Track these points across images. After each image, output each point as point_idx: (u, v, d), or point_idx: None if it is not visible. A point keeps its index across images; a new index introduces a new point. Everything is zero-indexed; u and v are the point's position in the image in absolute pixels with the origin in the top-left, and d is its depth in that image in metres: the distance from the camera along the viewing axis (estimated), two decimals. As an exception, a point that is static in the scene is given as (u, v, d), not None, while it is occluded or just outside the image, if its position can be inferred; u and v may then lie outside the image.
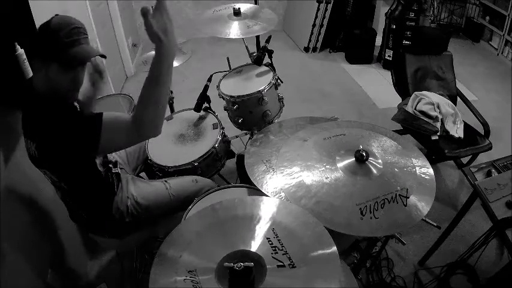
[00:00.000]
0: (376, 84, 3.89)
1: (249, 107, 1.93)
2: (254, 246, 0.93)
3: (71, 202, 1.41)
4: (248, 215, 1.01)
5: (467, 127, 2.47)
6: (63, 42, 1.11)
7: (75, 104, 1.31)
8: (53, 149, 1.14)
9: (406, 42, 3.80)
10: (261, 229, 0.97)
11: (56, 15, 1.16)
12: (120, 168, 1.62)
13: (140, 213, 1.49)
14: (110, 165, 1.46)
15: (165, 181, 1.61)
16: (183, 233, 1.01)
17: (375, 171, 1.20)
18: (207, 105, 2.02)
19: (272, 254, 0.91)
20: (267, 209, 1.03)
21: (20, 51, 1.55)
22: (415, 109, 2.42)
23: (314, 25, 4.37)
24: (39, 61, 1.17)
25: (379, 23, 4.43)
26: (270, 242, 0.93)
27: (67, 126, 1.10)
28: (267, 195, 1.32)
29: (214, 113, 1.99)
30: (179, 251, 0.94)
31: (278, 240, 0.94)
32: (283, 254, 0.90)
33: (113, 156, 1.65)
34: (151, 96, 1.05)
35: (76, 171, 1.24)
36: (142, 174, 1.93)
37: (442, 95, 2.53)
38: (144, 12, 0.94)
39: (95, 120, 1.09)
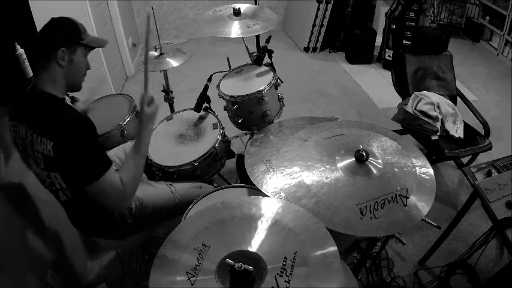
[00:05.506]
0: (376, 84, 3.89)
1: (249, 107, 1.93)
2: (254, 246, 0.93)
3: (73, 210, 1.40)
4: (248, 215, 1.01)
5: (467, 127, 2.47)
6: (83, 29, 1.28)
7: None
8: (70, 150, 1.14)
9: (406, 42, 3.79)
10: (261, 229, 0.97)
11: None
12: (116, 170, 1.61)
13: (144, 214, 1.49)
14: None
15: (170, 184, 1.61)
16: (183, 233, 1.00)
17: (374, 171, 1.20)
18: (207, 105, 2.02)
19: (272, 254, 0.90)
20: (267, 209, 1.02)
21: (20, 51, 1.55)
22: (415, 109, 2.42)
23: (314, 25, 4.37)
24: (60, 49, 1.20)
25: (379, 23, 4.43)
26: (271, 243, 0.93)
27: (88, 140, 1.17)
28: (267, 195, 1.32)
29: (214, 113, 1.99)
30: (179, 251, 0.94)
31: (278, 241, 0.94)
32: (283, 254, 0.90)
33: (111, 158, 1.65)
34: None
35: (84, 176, 1.19)
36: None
37: (442, 95, 2.53)
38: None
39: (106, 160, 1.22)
